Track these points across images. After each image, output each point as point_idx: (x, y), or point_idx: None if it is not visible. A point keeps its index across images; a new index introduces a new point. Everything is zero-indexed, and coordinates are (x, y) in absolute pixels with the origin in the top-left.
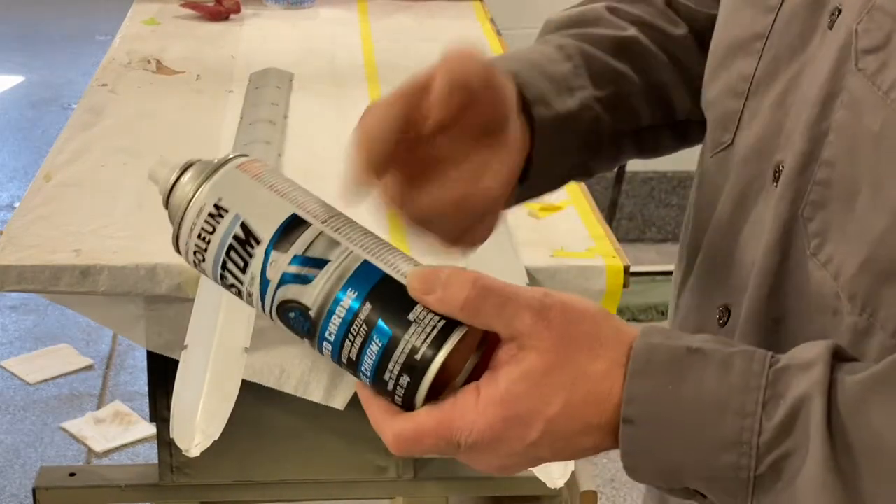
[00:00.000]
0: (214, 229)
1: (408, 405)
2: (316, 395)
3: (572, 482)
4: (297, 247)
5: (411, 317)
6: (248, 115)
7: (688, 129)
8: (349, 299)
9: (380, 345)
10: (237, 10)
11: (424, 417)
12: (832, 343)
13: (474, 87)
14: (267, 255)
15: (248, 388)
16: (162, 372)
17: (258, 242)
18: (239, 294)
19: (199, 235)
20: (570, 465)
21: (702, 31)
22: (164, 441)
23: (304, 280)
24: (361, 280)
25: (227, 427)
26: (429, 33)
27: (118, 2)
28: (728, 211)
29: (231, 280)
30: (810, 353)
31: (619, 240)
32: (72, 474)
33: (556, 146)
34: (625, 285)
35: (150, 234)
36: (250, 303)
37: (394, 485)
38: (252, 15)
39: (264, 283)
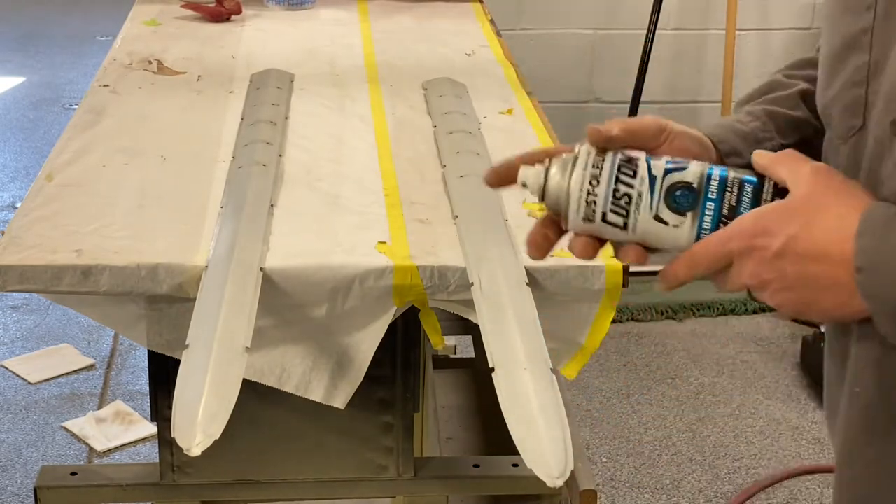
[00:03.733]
0: (601, 170)
1: None
2: (317, 395)
3: (572, 481)
4: None
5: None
6: (249, 116)
7: None
8: (717, 170)
9: (751, 188)
10: (238, 11)
11: (713, 236)
12: None
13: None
14: (648, 161)
15: (249, 387)
16: (163, 371)
17: (637, 157)
18: (629, 200)
19: (589, 182)
20: (569, 464)
21: None
22: (166, 440)
23: (682, 168)
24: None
25: (228, 426)
26: (429, 34)
27: (119, 3)
28: (863, 180)
29: (624, 190)
30: None
31: None
32: (73, 473)
33: None
34: (624, 285)
35: (151, 234)
36: (637, 203)
37: (394, 484)
38: (253, 16)
39: (652, 179)
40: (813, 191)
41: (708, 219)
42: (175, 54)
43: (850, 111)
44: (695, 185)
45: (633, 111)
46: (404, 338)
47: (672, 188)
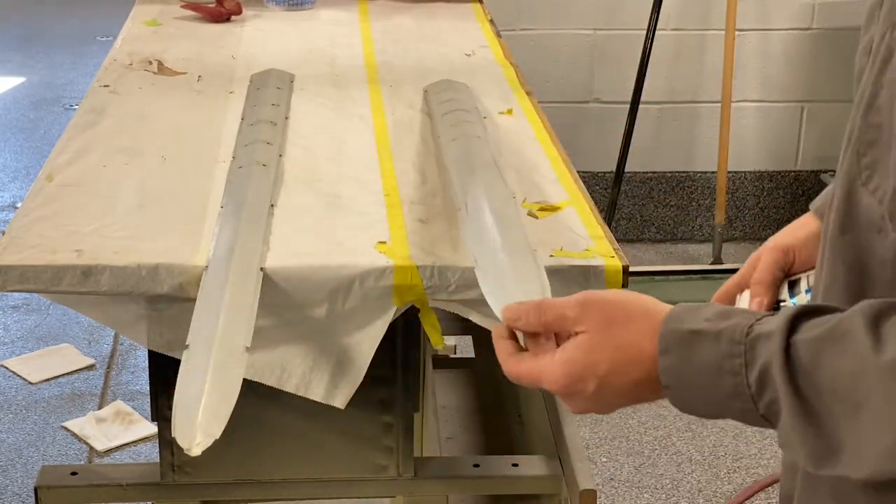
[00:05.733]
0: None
1: None
2: (317, 394)
3: (572, 481)
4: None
5: None
6: (249, 116)
7: None
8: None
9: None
10: (238, 12)
11: (525, 365)
12: (795, 310)
13: None
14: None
15: (249, 387)
16: (163, 371)
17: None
18: None
19: None
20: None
21: None
22: (166, 440)
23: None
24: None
25: (228, 426)
26: (429, 34)
27: (119, 3)
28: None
29: None
30: (772, 324)
31: (618, 240)
32: (73, 473)
33: None
34: (624, 285)
35: (152, 233)
36: None
37: (394, 483)
38: (253, 16)
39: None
40: (602, 328)
41: None
42: (175, 54)
43: None
44: None
45: (633, 111)
46: (404, 338)
47: None
